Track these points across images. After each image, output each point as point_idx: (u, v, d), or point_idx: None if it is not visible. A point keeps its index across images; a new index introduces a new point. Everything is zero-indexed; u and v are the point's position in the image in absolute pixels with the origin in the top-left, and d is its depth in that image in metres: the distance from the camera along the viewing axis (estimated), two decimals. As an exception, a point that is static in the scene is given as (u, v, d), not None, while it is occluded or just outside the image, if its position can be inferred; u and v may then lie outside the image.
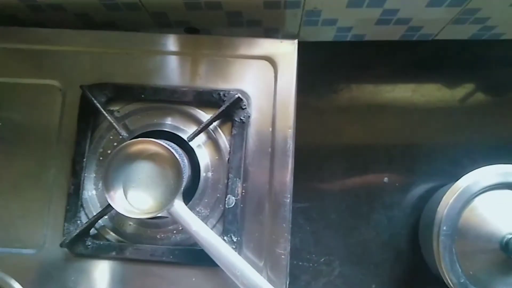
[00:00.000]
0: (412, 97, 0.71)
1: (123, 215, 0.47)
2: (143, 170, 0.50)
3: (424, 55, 0.73)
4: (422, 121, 0.71)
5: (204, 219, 0.52)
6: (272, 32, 0.69)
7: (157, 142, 0.48)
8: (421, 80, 0.72)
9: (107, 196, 0.47)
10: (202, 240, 0.47)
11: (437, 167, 0.68)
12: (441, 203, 0.57)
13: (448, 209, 0.56)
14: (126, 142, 0.49)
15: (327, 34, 0.70)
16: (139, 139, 0.49)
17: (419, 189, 0.68)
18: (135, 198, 0.49)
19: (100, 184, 0.54)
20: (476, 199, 0.57)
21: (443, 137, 0.70)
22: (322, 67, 0.72)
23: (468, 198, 0.56)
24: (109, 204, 0.48)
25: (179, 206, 0.47)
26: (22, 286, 0.51)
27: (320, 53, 0.72)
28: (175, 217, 0.47)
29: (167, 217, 0.48)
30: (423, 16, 0.64)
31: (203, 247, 0.47)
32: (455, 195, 0.56)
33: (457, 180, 0.58)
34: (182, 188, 0.48)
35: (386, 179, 0.68)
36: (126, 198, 0.49)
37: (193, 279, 0.51)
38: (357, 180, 0.69)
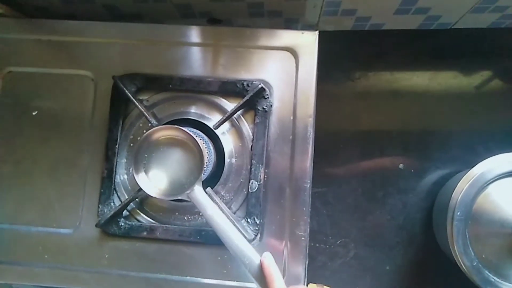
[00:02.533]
0: (428, 85, 0.72)
1: (149, 195, 0.49)
2: (169, 156, 0.52)
3: (442, 43, 0.73)
4: (438, 108, 0.71)
5: (228, 203, 0.55)
6: (292, 22, 0.70)
7: (182, 130, 0.50)
8: (438, 68, 0.73)
9: (136, 177, 0.50)
10: (216, 225, 0.48)
11: (452, 154, 0.69)
12: (455, 189, 0.59)
13: (462, 195, 0.57)
14: (154, 128, 0.51)
15: (346, 24, 0.71)
16: (166, 125, 0.52)
17: (434, 175, 0.69)
18: (161, 180, 0.51)
19: (131, 169, 0.56)
20: (490, 186, 0.58)
21: (459, 125, 0.71)
22: (340, 55, 0.73)
23: (482, 185, 0.57)
24: (140, 188, 0.50)
25: (198, 192, 0.49)
26: (60, 263, 0.55)
27: (338, 42, 0.72)
28: (193, 201, 0.49)
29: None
30: (443, 5, 0.64)
31: (215, 231, 0.48)
32: (470, 182, 0.57)
33: (472, 167, 0.59)
34: (202, 175, 0.50)
35: (401, 165, 0.70)
36: (152, 180, 0.51)
37: (218, 258, 0.54)
38: (373, 165, 0.70)
